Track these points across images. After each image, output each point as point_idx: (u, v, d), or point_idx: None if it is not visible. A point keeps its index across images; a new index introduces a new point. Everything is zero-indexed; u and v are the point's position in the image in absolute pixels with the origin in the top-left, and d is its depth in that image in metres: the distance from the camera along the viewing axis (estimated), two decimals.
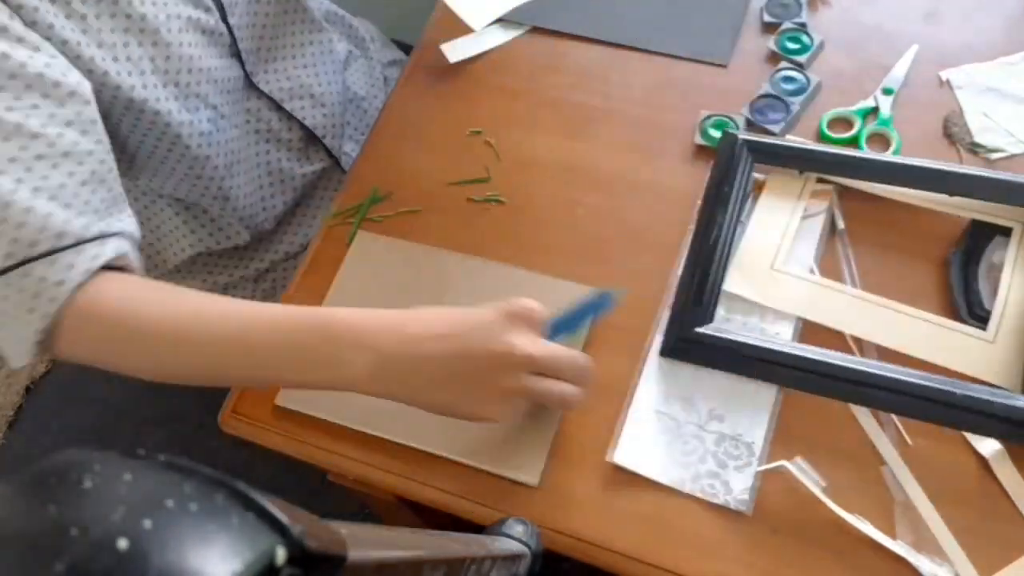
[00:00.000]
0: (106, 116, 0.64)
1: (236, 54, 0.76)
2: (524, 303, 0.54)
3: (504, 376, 0.52)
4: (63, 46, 0.59)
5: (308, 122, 0.84)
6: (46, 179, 0.54)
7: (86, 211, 0.55)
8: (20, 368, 0.53)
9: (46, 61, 0.56)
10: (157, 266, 0.86)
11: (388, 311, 0.54)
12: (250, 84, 0.79)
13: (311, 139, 0.86)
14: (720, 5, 0.79)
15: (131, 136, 0.69)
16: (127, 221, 0.59)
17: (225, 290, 0.90)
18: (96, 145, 0.58)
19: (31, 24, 0.56)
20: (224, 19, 0.73)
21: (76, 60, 0.60)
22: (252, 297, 0.91)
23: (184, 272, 0.88)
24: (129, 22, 0.63)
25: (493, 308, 0.53)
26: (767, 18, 0.78)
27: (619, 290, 0.60)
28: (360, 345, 0.52)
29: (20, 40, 0.55)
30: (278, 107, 0.82)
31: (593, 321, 0.62)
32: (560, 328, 0.57)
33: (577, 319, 0.59)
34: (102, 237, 0.55)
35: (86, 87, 0.58)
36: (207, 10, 0.70)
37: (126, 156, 0.71)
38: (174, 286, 0.58)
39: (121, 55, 0.64)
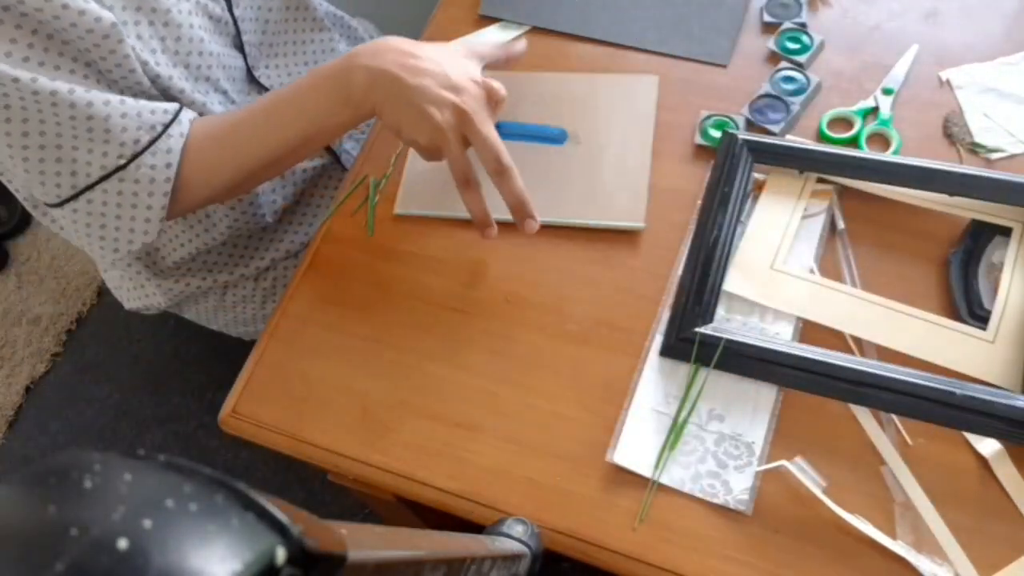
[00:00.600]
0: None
1: (239, 46, 0.77)
2: (495, 86, 0.64)
3: (445, 112, 0.61)
4: (96, 22, 0.60)
5: None
6: (120, 87, 0.64)
7: (158, 101, 0.65)
8: (141, 246, 0.68)
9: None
10: (156, 263, 0.86)
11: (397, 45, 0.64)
12: (251, 78, 0.80)
13: None
14: (720, 6, 0.79)
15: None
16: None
17: (226, 289, 0.90)
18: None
19: None
20: (229, 9, 0.73)
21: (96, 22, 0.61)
22: (253, 295, 0.91)
23: (183, 270, 0.88)
24: (140, 1, 0.64)
25: (476, 69, 0.65)
26: (767, 18, 0.78)
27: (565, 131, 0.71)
28: (357, 65, 0.63)
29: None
30: None
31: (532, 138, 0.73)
32: (506, 130, 0.66)
33: (525, 135, 0.68)
34: (176, 116, 0.65)
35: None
36: None
37: None
38: (230, 114, 0.69)
39: (131, 32, 0.64)
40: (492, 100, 0.64)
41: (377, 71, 0.62)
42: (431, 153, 0.64)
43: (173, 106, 0.65)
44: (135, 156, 0.63)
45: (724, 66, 0.76)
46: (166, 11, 0.67)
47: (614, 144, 0.73)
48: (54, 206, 0.65)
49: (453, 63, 0.63)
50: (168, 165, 0.64)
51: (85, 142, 0.61)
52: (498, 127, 0.63)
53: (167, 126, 0.64)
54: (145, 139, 0.63)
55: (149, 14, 0.66)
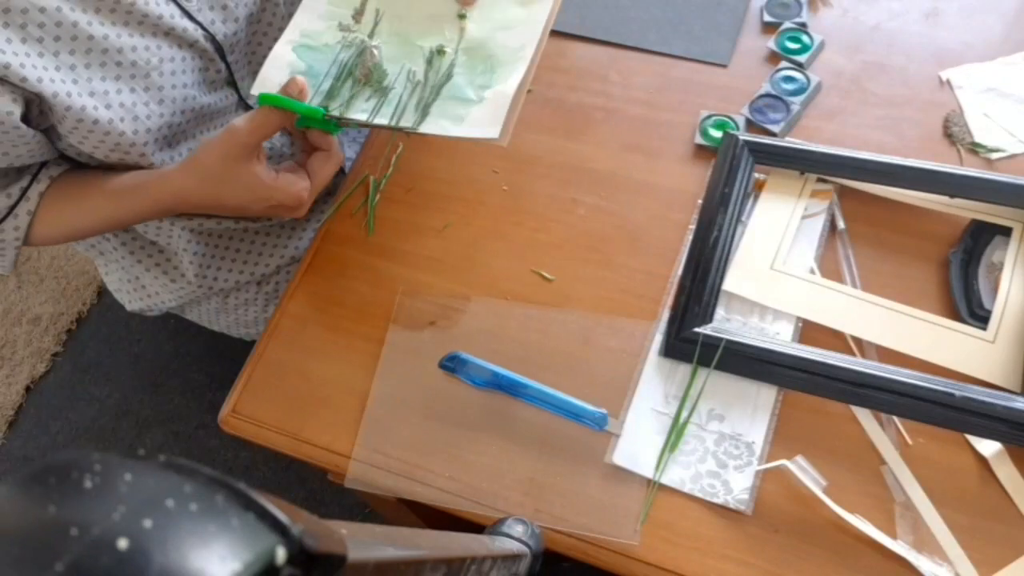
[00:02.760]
0: (93, 153, 0.67)
1: (231, 83, 0.76)
2: (295, 205, 0.67)
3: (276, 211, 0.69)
4: (54, 98, 0.59)
5: None
6: None
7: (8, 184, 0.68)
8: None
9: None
10: (174, 281, 0.87)
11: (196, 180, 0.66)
12: (246, 106, 0.80)
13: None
14: (720, 5, 0.79)
15: (116, 166, 0.70)
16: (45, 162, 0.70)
17: (228, 294, 0.90)
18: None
19: (20, 81, 0.57)
20: (223, 58, 0.73)
21: (66, 111, 0.60)
22: (255, 299, 0.91)
23: (188, 276, 0.88)
24: (120, 69, 0.63)
25: (263, 198, 0.66)
26: (767, 18, 0.78)
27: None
28: (182, 204, 0.68)
29: None
30: None
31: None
32: (543, 396, 0.62)
33: (565, 409, 0.62)
34: (34, 179, 0.68)
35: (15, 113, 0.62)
36: (203, 51, 0.70)
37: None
38: (83, 184, 0.71)
39: (115, 101, 0.63)
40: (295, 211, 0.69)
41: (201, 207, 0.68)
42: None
43: (31, 174, 0.69)
44: None
45: (724, 66, 0.76)
46: (146, 75, 0.65)
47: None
48: None
49: (253, 201, 0.67)
50: (16, 228, 0.70)
51: None
52: (528, 389, 0.62)
53: (19, 198, 0.69)
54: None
55: (129, 81, 0.64)
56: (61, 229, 0.72)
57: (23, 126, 0.61)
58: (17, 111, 0.59)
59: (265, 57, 0.79)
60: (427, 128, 0.63)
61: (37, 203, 0.70)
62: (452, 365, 0.63)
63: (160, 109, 0.67)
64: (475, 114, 0.63)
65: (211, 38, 0.70)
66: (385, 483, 0.61)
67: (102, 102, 0.63)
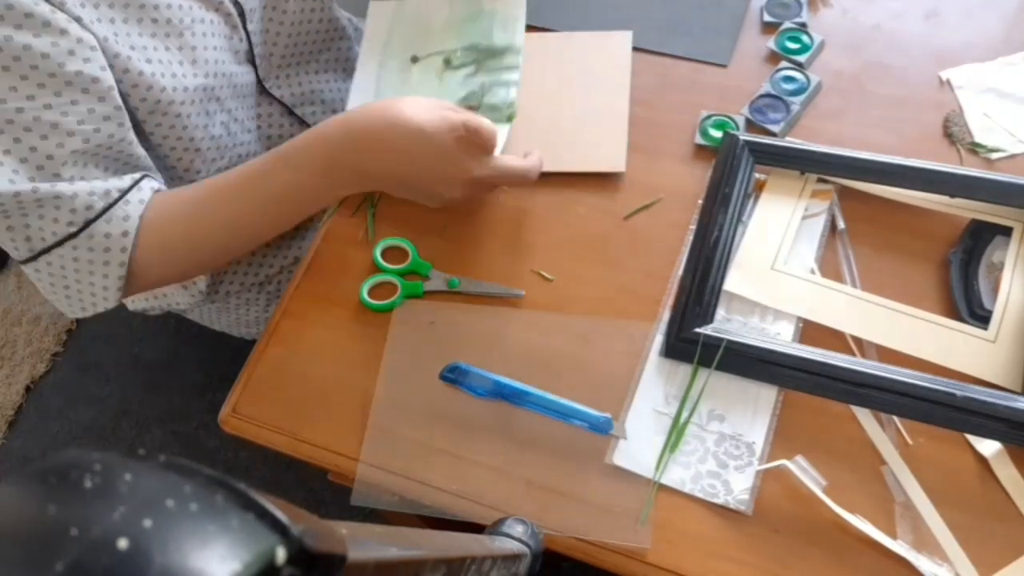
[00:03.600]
0: (134, 113, 0.66)
1: (251, 59, 0.76)
2: (477, 125, 0.62)
3: (455, 190, 0.64)
4: (104, 43, 0.60)
5: None
6: (84, 156, 0.61)
7: (121, 168, 0.64)
8: (109, 309, 0.66)
9: (86, 56, 0.58)
10: (186, 288, 0.87)
11: (352, 120, 0.63)
12: (263, 89, 0.80)
13: None
14: (720, 6, 0.79)
15: (153, 135, 0.70)
16: (146, 162, 0.67)
17: (229, 296, 0.90)
18: (119, 123, 0.63)
19: (75, 19, 0.58)
20: (244, 25, 0.73)
21: (114, 59, 0.61)
22: (256, 299, 0.91)
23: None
24: (156, 27, 0.64)
25: (449, 128, 0.61)
26: (767, 18, 0.78)
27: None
28: (336, 166, 0.63)
29: (62, 32, 0.57)
30: (290, 112, 0.83)
31: None
32: (550, 405, 0.62)
33: (570, 414, 0.62)
34: (136, 184, 0.63)
35: (113, 85, 0.62)
36: (228, 15, 0.71)
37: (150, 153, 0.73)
38: (194, 190, 0.66)
39: (154, 57, 0.64)
40: (484, 146, 0.64)
41: (364, 182, 0.65)
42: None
43: (132, 176, 0.63)
44: (87, 223, 0.60)
45: (724, 66, 0.76)
46: (179, 35, 0.66)
47: (592, 96, 0.76)
48: (21, 263, 0.64)
49: (444, 171, 0.63)
50: (125, 233, 0.61)
51: (35, 211, 0.59)
52: (530, 397, 0.62)
53: (124, 192, 0.62)
54: (99, 205, 0.60)
55: (164, 39, 0.65)
56: (178, 233, 0.64)
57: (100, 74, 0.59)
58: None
59: (280, 36, 0.81)
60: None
61: (150, 195, 0.64)
62: (453, 376, 0.63)
63: (194, 70, 0.68)
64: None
65: (234, 0, 0.71)
66: (390, 499, 0.61)
67: (143, 56, 0.64)
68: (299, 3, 0.80)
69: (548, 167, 0.71)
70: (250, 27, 0.74)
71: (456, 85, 0.77)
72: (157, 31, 0.64)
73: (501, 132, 0.71)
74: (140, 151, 0.66)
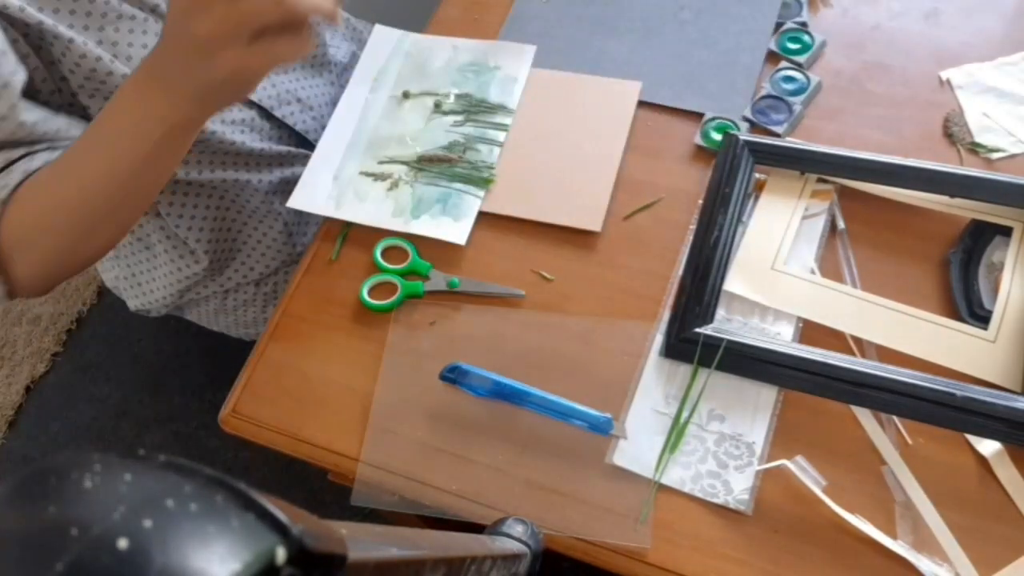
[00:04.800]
0: (71, 86, 0.65)
1: None
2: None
3: (200, 17, 0.48)
4: (69, 44, 0.59)
5: (299, 127, 0.84)
6: None
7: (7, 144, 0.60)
8: None
9: None
10: (183, 257, 0.86)
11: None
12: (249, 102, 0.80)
13: (303, 143, 0.86)
14: (735, 64, 0.76)
15: (82, 86, 0.68)
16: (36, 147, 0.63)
17: (227, 293, 0.90)
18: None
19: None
20: None
21: (82, 59, 0.60)
22: (254, 299, 0.92)
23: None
24: (73, 17, 0.63)
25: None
26: None
27: None
28: (142, 87, 0.55)
29: None
30: (269, 115, 0.82)
31: None
32: (549, 404, 0.61)
33: (571, 414, 0.61)
34: (6, 167, 0.60)
35: (18, 80, 0.60)
36: (163, 18, 0.69)
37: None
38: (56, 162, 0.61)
39: (122, 53, 0.64)
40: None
41: (165, 63, 0.53)
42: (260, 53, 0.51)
43: (7, 156, 0.60)
44: None
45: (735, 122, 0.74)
46: (100, 28, 0.65)
47: (586, 145, 0.74)
48: None
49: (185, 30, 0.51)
50: None
51: None
52: (530, 397, 0.61)
53: None
54: None
55: (81, 31, 0.64)
56: (42, 204, 0.59)
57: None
58: None
59: None
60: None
61: (19, 178, 0.60)
62: (453, 376, 0.63)
63: (121, 65, 0.66)
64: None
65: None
66: (390, 499, 0.61)
67: (80, 37, 0.63)
68: None
69: (523, 213, 0.70)
70: None
71: (441, 130, 0.76)
72: (75, 22, 0.63)
73: (474, 201, 0.71)
74: (30, 121, 0.61)
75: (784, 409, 0.60)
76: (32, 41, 0.62)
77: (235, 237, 0.86)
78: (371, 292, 0.69)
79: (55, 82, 0.66)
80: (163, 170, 0.61)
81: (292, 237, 0.89)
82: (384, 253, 0.71)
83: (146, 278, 0.90)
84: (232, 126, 0.80)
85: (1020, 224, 0.63)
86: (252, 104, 0.81)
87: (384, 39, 0.83)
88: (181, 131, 0.57)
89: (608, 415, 0.60)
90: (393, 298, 0.68)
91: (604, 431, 0.59)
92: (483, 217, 0.71)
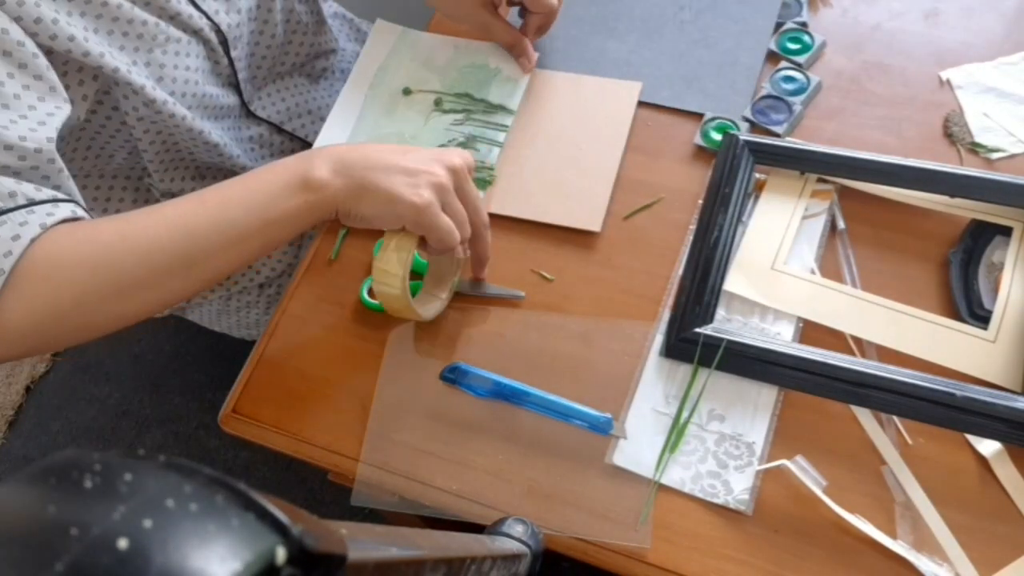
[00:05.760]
0: (120, 103, 0.65)
1: (233, 84, 0.76)
2: (459, 155, 0.59)
3: (431, 174, 0.57)
4: (70, 42, 0.58)
5: (311, 139, 0.85)
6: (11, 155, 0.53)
7: (40, 182, 0.54)
8: None
9: (34, 52, 0.55)
10: None
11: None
12: (248, 113, 0.80)
13: None
14: (735, 64, 0.76)
15: (138, 125, 0.68)
16: (77, 195, 0.57)
17: (231, 296, 0.91)
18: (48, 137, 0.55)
19: (35, 21, 0.56)
20: (227, 52, 0.72)
21: (84, 57, 0.59)
22: (257, 301, 0.92)
23: None
24: (125, 40, 0.63)
25: (438, 154, 0.59)
26: None
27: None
28: (318, 156, 0.57)
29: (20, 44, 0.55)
30: (279, 130, 0.83)
31: None
32: (550, 405, 0.62)
33: (570, 414, 0.61)
34: (55, 201, 0.53)
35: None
36: (207, 41, 0.70)
37: (135, 155, 0.72)
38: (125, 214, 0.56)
39: (130, 65, 0.64)
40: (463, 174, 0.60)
41: (339, 161, 0.57)
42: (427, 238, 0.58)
43: (54, 193, 0.53)
44: None
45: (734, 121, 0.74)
46: (149, 51, 0.64)
47: (586, 145, 0.74)
48: None
49: (417, 152, 0.59)
50: (15, 237, 0.49)
51: None
52: (530, 397, 0.61)
53: (33, 203, 0.51)
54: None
55: (132, 54, 0.64)
56: (92, 244, 0.51)
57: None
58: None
59: (265, 59, 0.78)
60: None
61: (60, 219, 0.52)
62: (453, 376, 0.63)
63: (160, 87, 0.66)
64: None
65: (216, 28, 0.70)
66: (391, 499, 0.61)
67: (114, 59, 0.62)
68: (286, 26, 0.80)
69: (523, 214, 0.70)
70: (234, 54, 0.73)
71: (441, 128, 0.76)
72: (126, 44, 0.63)
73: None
74: (71, 186, 0.57)
75: (784, 409, 0.60)
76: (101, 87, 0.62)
77: None
78: (371, 292, 0.69)
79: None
80: (271, 244, 0.58)
81: (298, 239, 0.89)
82: None
83: None
84: (241, 144, 0.80)
85: (1020, 224, 0.63)
86: (261, 121, 0.81)
87: (385, 35, 0.83)
88: (322, 212, 0.57)
89: (608, 415, 0.60)
90: None
91: (604, 431, 0.60)
92: None
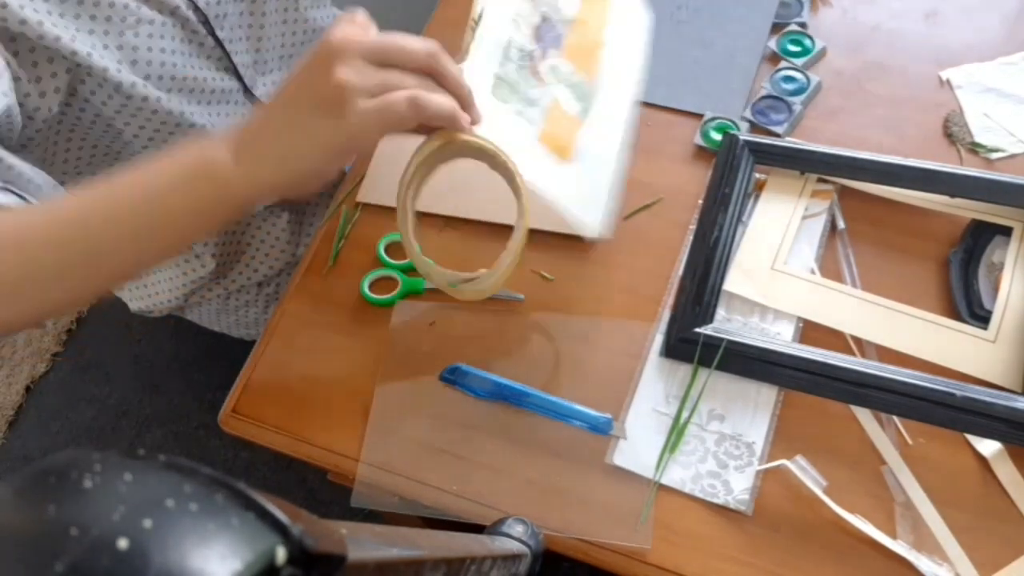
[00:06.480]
0: (90, 97, 0.63)
1: (229, 68, 0.75)
2: (343, 30, 0.50)
3: (345, 105, 0.48)
4: (39, 27, 0.56)
5: None
6: None
7: None
8: None
9: None
10: (187, 262, 0.86)
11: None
12: (251, 98, 0.79)
13: None
14: (732, 64, 0.76)
15: (117, 117, 0.66)
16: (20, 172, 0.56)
17: (229, 295, 0.91)
18: None
19: (2, 6, 0.53)
20: (211, 32, 0.70)
21: (56, 41, 0.57)
22: (256, 300, 0.92)
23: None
24: (93, 23, 0.61)
25: (315, 51, 0.50)
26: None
27: None
28: (216, 141, 0.51)
29: None
30: None
31: None
32: (547, 404, 0.61)
33: (572, 416, 0.60)
34: None
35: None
36: (185, 20, 0.67)
37: (120, 141, 0.70)
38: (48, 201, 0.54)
39: (101, 48, 0.61)
40: (356, 47, 0.50)
41: (247, 143, 0.50)
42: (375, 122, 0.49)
43: None
44: None
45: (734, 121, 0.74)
46: (120, 33, 0.61)
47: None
48: None
49: (313, 73, 0.50)
50: None
51: None
52: (530, 398, 0.60)
53: None
54: None
55: (103, 37, 0.61)
56: (20, 264, 0.49)
57: None
58: None
59: (263, 41, 0.76)
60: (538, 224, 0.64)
61: None
62: (453, 377, 0.63)
63: (133, 70, 0.64)
64: (588, 213, 0.62)
65: (193, 6, 0.66)
66: (390, 501, 0.61)
67: (86, 43, 0.60)
68: (278, 3, 0.77)
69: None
70: (221, 34, 0.71)
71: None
72: (95, 28, 0.61)
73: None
74: (12, 164, 0.56)
75: (784, 409, 0.60)
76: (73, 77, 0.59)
77: (240, 240, 0.86)
78: (372, 286, 0.69)
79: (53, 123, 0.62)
80: (176, 239, 0.54)
81: (296, 238, 0.89)
82: (387, 248, 0.71)
83: (151, 280, 0.90)
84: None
85: (1020, 224, 0.63)
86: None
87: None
88: (230, 206, 0.52)
89: (607, 415, 0.60)
90: (394, 293, 0.68)
91: (603, 431, 0.60)
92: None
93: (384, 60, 0.50)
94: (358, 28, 0.50)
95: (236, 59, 0.74)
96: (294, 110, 0.50)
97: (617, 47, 0.69)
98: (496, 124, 0.56)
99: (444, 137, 0.53)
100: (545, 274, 0.68)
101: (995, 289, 0.61)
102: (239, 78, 0.75)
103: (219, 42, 0.71)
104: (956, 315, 0.61)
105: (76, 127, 0.67)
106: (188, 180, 0.51)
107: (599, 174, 0.65)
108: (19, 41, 0.56)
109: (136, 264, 0.54)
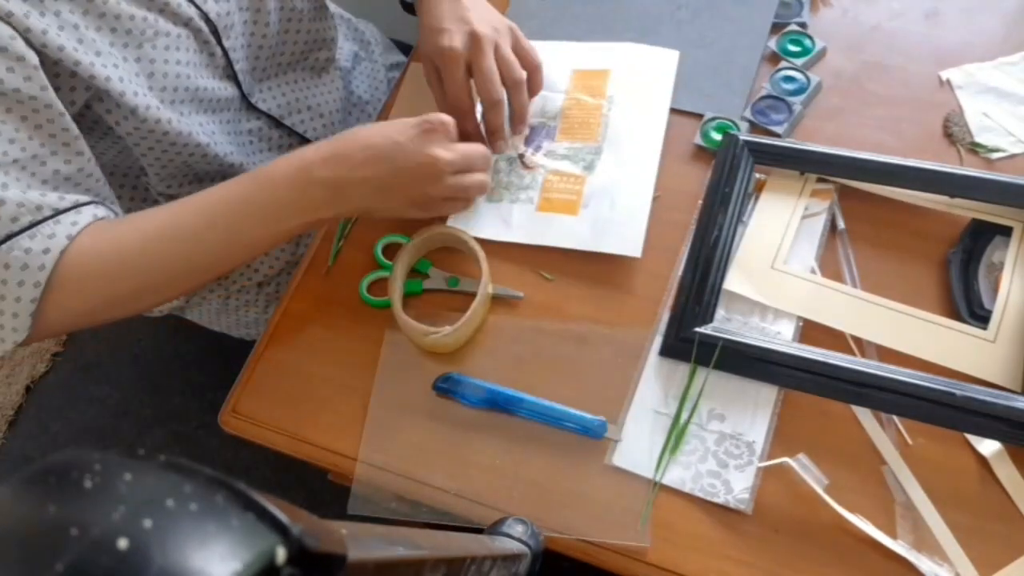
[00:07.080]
0: (104, 115, 0.64)
1: (231, 76, 0.75)
2: (438, 117, 0.63)
3: (432, 184, 0.63)
4: (60, 52, 0.58)
5: (309, 135, 0.84)
6: (21, 165, 0.57)
7: (61, 185, 0.60)
8: (19, 344, 0.58)
9: (27, 75, 0.56)
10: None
11: (323, 144, 0.63)
12: (248, 105, 0.79)
13: None
14: (732, 64, 0.76)
15: (128, 137, 0.68)
16: (103, 191, 0.64)
17: (229, 295, 0.91)
18: (64, 143, 0.60)
19: (24, 32, 0.56)
20: (219, 42, 0.71)
21: (76, 66, 0.59)
22: (256, 300, 0.91)
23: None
24: (114, 36, 0.62)
25: (411, 126, 0.62)
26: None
27: None
28: (310, 182, 0.61)
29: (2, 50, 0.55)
30: (279, 124, 0.82)
31: None
32: (542, 410, 0.62)
33: (565, 419, 0.62)
34: (77, 207, 0.59)
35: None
36: (198, 31, 0.68)
37: (129, 157, 0.72)
38: (142, 212, 0.63)
39: (108, 62, 0.63)
40: (445, 131, 0.63)
41: (340, 196, 0.62)
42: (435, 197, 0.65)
43: (76, 198, 0.60)
44: (8, 237, 0.55)
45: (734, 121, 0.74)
46: (139, 46, 0.64)
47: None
48: None
49: (415, 164, 0.62)
50: (46, 251, 0.56)
51: None
52: (524, 404, 0.61)
53: (58, 212, 0.58)
54: (26, 220, 0.56)
55: (122, 50, 0.63)
56: (115, 264, 0.59)
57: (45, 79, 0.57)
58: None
59: (263, 49, 0.77)
60: (574, 244, 0.69)
61: (89, 222, 0.59)
62: (447, 386, 0.63)
63: (149, 83, 0.66)
64: (620, 233, 0.68)
65: (205, 17, 0.68)
66: (388, 507, 0.61)
67: (108, 61, 0.62)
68: (280, 14, 0.78)
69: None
70: (227, 43, 0.72)
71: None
72: (115, 40, 0.62)
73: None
74: (98, 178, 0.63)
75: (784, 409, 0.60)
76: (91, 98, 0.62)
77: None
78: (370, 288, 0.69)
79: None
80: (259, 252, 0.67)
81: (296, 239, 0.89)
82: (385, 250, 0.71)
83: None
84: (239, 137, 0.79)
85: (1020, 224, 0.63)
86: (261, 114, 0.81)
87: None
88: (310, 228, 0.65)
89: (601, 418, 0.60)
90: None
91: (597, 435, 0.59)
92: None
93: (467, 167, 0.65)
94: (447, 143, 0.63)
95: (237, 67, 0.75)
96: (388, 194, 0.63)
97: (624, 92, 0.75)
98: (480, 223, 0.70)
99: (431, 231, 0.68)
100: (545, 274, 0.68)
101: (995, 289, 0.61)
102: (238, 84, 0.76)
103: (225, 51, 0.73)
104: (956, 315, 0.61)
105: (85, 137, 0.68)
106: (289, 216, 0.62)
107: (628, 201, 0.69)
108: (43, 54, 0.58)
109: (237, 266, 0.67)
